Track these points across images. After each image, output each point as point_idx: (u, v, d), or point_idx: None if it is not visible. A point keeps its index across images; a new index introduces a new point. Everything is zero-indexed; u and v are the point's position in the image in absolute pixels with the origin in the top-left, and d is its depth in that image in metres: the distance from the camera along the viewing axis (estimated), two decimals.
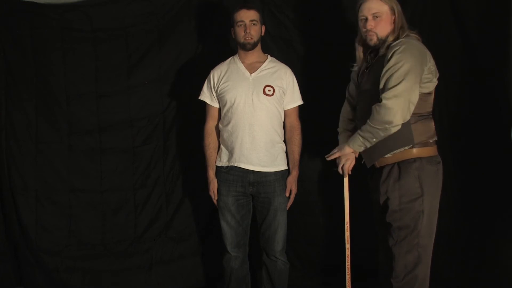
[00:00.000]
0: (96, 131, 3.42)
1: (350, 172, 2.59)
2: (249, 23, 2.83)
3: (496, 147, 2.88)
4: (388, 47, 2.38)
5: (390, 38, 2.41)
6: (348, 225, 2.63)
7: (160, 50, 3.42)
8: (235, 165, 2.86)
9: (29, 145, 3.40)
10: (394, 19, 2.42)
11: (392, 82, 2.27)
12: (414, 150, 2.37)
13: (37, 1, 3.40)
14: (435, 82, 2.41)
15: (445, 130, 2.99)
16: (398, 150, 2.38)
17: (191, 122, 3.34)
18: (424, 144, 2.38)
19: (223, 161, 2.91)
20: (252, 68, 2.90)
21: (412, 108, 2.31)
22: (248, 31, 2.83)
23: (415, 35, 2.44)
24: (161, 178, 3.47)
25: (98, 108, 3.42)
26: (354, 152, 2.50)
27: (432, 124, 2.46)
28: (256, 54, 2.92)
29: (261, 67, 2.90)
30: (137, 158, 3.45)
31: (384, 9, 2.41)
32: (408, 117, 2.31)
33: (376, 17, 2.42)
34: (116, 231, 3.46)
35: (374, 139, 2.36)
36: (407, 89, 2.27)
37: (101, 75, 3.42)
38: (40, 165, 3.41)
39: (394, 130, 2.31)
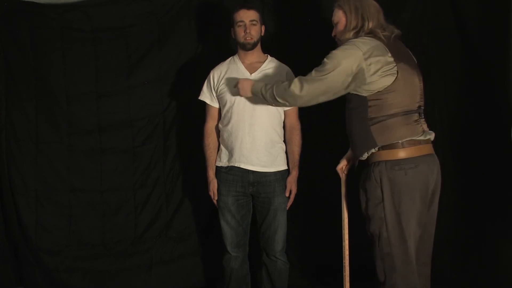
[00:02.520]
0: (96, 131, 3.42)
1: (345, 172, 2.60)
2: (249, 23, 2.83)
3: (496, 147, 2.88)
4: None
5: (344, 38, 2.38)
6: (346, 224, 2.63)
7: (160, 50, 3.42)
8: (235, 165, 2.86)
9: (29, 145, 3.40)
10: (346, 20, 2.39)
11: (313, 71, 2.30)
12: (380, 152, 2.27)
13: (37, 1, 3.40)
14: (388, 78, 2.22)
15: (445, 130, 2.99)
16: (369, 152, 2.30)
17: (191, 122, 3.34)
18: (391, 146, 2.25)
19: (223, 161, 2.91)
20: (252, 68, 2.90)
21: (311, 103, 2.35)
22: (248, 31, 2.83)
23: (379, 33, 2.32)
24: (161, 178, 3.47)
25: (98, 108, 3.42)
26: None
27: (404, 124, 2.26)
28: (256, 54, 2.92)
29: (261, 67, 2.90)
30: (137, 158, 3.45)
31: (339, 14, 2.42)
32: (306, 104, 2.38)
33: (335, 24, 2.45)
34: (116, 231, 3.46)
35: (266, 100, 2.47)
36: (315, 82, 2.28)
37: (101, 75, 3.42)
38: (40, 165, 3.41)
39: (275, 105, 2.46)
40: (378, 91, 2.24)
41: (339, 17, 2.42)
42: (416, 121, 2.29)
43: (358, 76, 2.23)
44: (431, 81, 2.91)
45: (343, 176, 2.66)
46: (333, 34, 2.48)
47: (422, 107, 2.36)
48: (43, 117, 3.41)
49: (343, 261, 2.63)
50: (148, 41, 3.42)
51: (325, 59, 2.28)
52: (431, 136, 2.36)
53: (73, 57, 3.40)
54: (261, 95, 2.50)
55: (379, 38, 2.29)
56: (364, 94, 2.27)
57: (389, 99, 2.24)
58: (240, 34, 2.85)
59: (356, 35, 2.34)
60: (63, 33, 3.39)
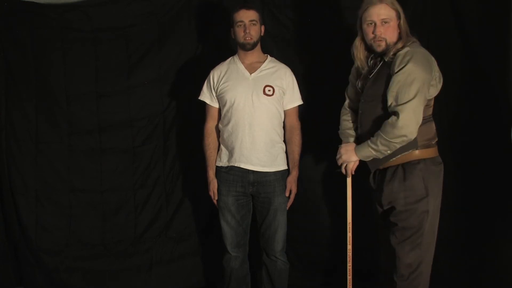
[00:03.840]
0: (96, 131, 3.42)
1: (353, 173, 2.60)
2: (248, 23, 2.83)
3: (496, 147, 2.88)
4: (395, 54, 2.35)
5: (399, 45, 2.37)
6: (351, 226, 2.63)
7: (160, 50, 3.42)
8: (235, 165, 2.86)
9: (29, 145, 3.40)
10: (399, 24, 2.40)
11: (405, 96, 2.26)
12: (417, 151, 2.38)
13: (37, 1, 3.40)
14: (439, 88, 2.43)
15: (445, 130, 2.99)
16: (405, 153, 2.39)
17: (191, 122, 3.33)
18: (427, 146, 2.40)
19: (223, 161, 2.91)
20: (252, 68, 2.90)
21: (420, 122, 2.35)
22: (247, 31, 2.83)
23: (417, 41, 2.44)
24: (161, 178, 3.47)
25: (98, 108, 3.42)
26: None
27: (433, 125, 2.47)
28: (255, 54, 2.92)
29: (261, 67, 2.90)
30: (137, 158, 3.45)
31: (392, 14, 2.38)
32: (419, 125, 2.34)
33: (385, 22, 2.37)
34: (116, 231, 3.46)
35: (389, 151, 2.36)
36: (420, 103, 2.29)
37: (101, 75, 3.42)
38: (40, 165, 3.41)
39: (410, 140, 2.32)
40: (428, 99, 2.38)
41: (392, 17, 2.38)
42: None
43: (430, 79, 2.35)
44: None
45: (350, 176, 2.63)
46: (378, 33, 2.38)
47: None
48: (43, 117, 3.41)
49: (348, 264, 2.63)
50: (148, 41, 3.42)
51: (405, 75, 2.26)
52: None
53: (73, 57, 3.40)
54: (372, 150, 2.37)
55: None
56: None
57: (431, 103, 2.42)
58: (240, 34, 2.85)
59: (404, 42, 2.38)
60: (63, 33, 3.39)
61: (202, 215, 3.45)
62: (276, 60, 2.98)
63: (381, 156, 2.40)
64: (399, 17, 2.40)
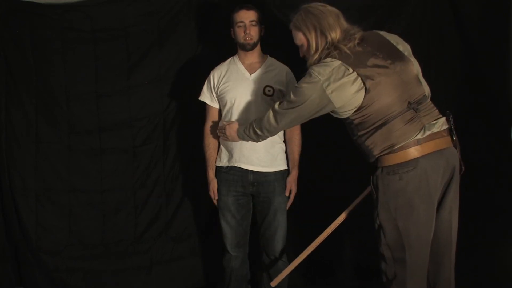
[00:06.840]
0: (96, 131, 3.42)
1: None
2: (249, 23, 2.84)
3: (496, 147, 2.88)
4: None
5: (312, 60, 2.31)
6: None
7: (160, 50, 3.41)
8: (235, 165, 2.86)
9: (29, 145, 3.40)
10: (307, 42, 2.32)
11: (285, 102, 2.32)
12: (378, 158, 2.23)
13: (37, 1, 3.40)
14: (358, 95, 2.17)
15: None
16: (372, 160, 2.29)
17: (191, 122, 3.34)
18: (388, 153, 2.19)
19: (223, 161, 2.91)
20: (252, 69, 2.90)
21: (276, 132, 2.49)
22: (248, 31, 2.83)
23: (344, 48, 2.22)
24: (161, 178, 3.47)
25: (98, 108, 3.42)
26: None
27: (395, 130, 2.17)
28: (255, 54, 2.92)
29: (261, 68, 2.91)
30: (137, 158, 3.45)
31: (300, 37, 2.36)
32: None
33: (299, 46, 2.40)
34: (116, 231, 3.46)
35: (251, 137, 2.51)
36: (289, 120, 2.35)
37: (101, 75, 3.42)
38: (40, 165, 3.41)
39: (261, 140, 2.52)
40: (357, 109, 2.20)
41: (301, 39, 2.36)
42: (411, 119, 2.16)
43: (326, 104, 2.23)
44: (431, 81, 2.91)
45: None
46: (301, 55, 2.42)
47: (420, 99, 2.21)
48: (43, 117, 3.41)
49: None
50: (148, 41, 3.41)
51: (291, 94, 2.29)
52: (436, 128, 2.20)
53: (73, 57, 3.40)
54: (246, 136, 2.56)
55: (344, 53, 2.20)
56: (344, 116, 2.26)
57: (370, 112, 2.18)
58: (240, 34, 2.85)
59: (322, 54, 2.27)
60: (63, 33, 3.38)
61: (202, 215, 3.45)
62: (275, 60, 2.98)
63: (247, 139, 2.57)
64: (306, 37, 2.33)
